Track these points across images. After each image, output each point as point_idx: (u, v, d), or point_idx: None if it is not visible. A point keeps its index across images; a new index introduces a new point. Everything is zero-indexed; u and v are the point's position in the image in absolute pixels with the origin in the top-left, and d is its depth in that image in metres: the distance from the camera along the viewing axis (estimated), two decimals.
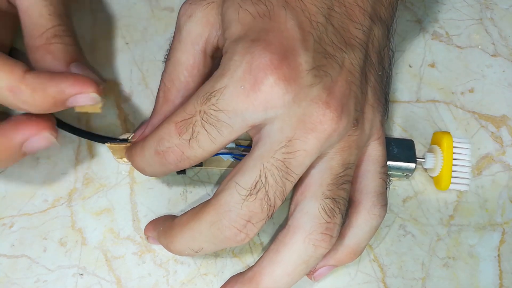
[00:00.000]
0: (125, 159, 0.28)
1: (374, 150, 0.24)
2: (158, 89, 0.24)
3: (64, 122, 0.27)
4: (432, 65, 0.34)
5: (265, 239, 0.27)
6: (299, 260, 0.21)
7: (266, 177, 0.20)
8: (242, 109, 0.20)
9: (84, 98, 0.21)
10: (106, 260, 0.26)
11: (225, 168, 0.28)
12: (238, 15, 0.21)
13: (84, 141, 0.28)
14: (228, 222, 0.20)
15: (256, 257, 0.27)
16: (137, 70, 0.31)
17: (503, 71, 0.33)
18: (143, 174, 0.24)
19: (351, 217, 0.23)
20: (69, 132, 0.27)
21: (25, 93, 0.19)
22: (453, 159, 0.28)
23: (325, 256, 0.22)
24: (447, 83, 0.33)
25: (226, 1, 0.22)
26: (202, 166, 0.28)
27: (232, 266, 0.27)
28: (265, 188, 0.20)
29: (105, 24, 0.32)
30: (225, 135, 0.20)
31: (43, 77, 0.20)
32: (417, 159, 0.28)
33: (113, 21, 0.32)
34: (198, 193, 0.28)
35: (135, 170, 0.28)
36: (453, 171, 0.28)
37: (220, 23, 0.22)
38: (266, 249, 0.27)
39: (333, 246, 0.22)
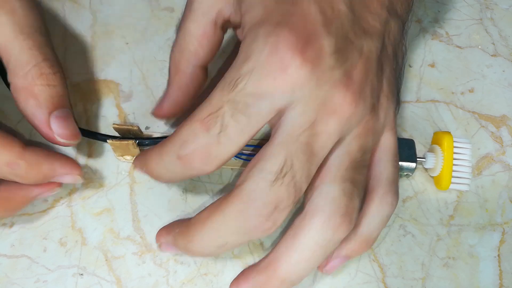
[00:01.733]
0: (127, 157, 0.28)
1: (387, 140, 0.24)
2: (169, 60, 0.25)
3: None
4: (432, 65, 0.34)
5: (266, 240, 0.27)
6: (317, 245, 0.20)
7: (291, 161, 0.20)
8: (271, 91, 0.20)
9: (70, 178, 0.24)
10: (106, 260, 0.26)
11: (238, 167, 0.28)
12: None
13: (83, 140, 0.28)
14: (254, 211, 0.20)
15: (256, 257, 0.27)
16: (137, 70, 0.31)
17: (503, 71, 0.33)
18: (158, 180, 0.23)
19: (364, 205, 0.23)
20: None
21: (21, 168, 0.21)
22: (454, 159, 0.28)
23: (337, 247, 0.22)
24: (447, 83, 0.33)
25: None
26: None
27: (232, 266, 0.27)
28: (292, 172, 0.20)
29: (105, 24, 0.32)
30: (254, 123, 0.20)
31: (39, 155, 0.22)
32: (418, 159, 0.28)
33: (113, 21, 0.32)
34: (198, 194, 0.28)
35: (135, 170, 0.28)
36: (453, 171, 0.28)
37: (236, 1, 0.22)
38: (266, 250, 0.27)
39: (346, 236, 0.21)
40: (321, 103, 0.20)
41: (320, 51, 0.20)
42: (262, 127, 0.21)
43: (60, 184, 0.24)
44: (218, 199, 0.21)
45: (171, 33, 0.32)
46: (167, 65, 0.31)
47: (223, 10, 0.23)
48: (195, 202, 0.28)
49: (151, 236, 0.27)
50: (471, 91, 0.33)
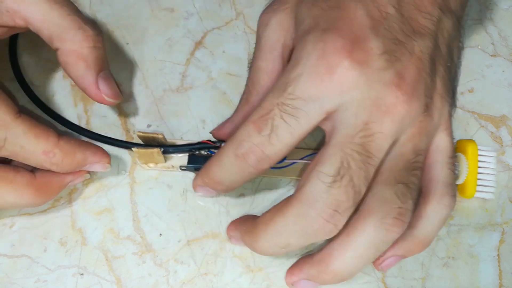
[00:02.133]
0: (150, 164, 0.28)
1: (442, 141, 0.24)
2: (242, 93, 0.26)
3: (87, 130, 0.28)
4: None
5: None
6: (369, 244, 0.21)
7: (348, 163, 0.20)
8: (319, 94, 0.20)
9: (100, 166, 0.25)
10: (106, 260, 0.26)
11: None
12: (310, 11, 0.22)
13: None
14: (315, 213, 0.20)
15: (256, 258, 0.27)
16: (138, 70, 0.31)
17: (503, 71, 0.34)
18: (220, 189, 0.23)
19: (420, 207, 0.23)
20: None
21: (57, 157, 0.23)
22: (478, 167, 0.28)
23: (393, 245, 0.22)
24: None
25: (299, 3, 0.23)
26: None
27: (232, 267, 0.27)
28: (349, 174, 0.20)
29: (105, 24, 0.32)
30: (303, 124, 0.20)
31: (73, 144, 0.23)
32: None
33: (113, 21, 0.32)
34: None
35: (135, 170, 0.28)
36: (478, 179, 0.28)
37: (294, 25, 0.23)
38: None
39: (402, 236, 0.21)
40: (374, 104, 0.20)
41: (368, 52, 0.20)
42: (312, 129, 0.21)
43: (88, 172, 0.26)
44: (281, 201, 0.22)
45: (171, 33, 0.32)
46: (167, 65, 0.31)
47: (286, 41, 0.24)
48: (195, 202, 0.28)
49: (151, 236, 0.27)
50: (470, 91, 0.33)
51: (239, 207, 0.28)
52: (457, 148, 0.30)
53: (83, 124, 0.29)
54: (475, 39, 0.34)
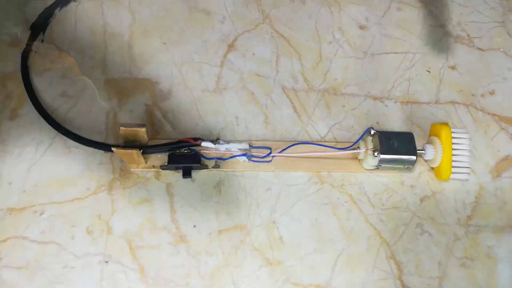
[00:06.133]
0: (133, 165, 0.29)
1: None
2: None
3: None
4: (453, 67, 0.34)
5: (284, 233, 0.28)
6: None
7: None
8: None
9: None
10: (131, 249, 0.27)
11: (241, 170, 0.29)
12: None
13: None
14: None
15: (275, 251, 0.28)
16: (177, 70, 0.32)
17: None
18: None
19: None
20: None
21: None
22: (453, 149, 0.28)
23: None
24: (467, 85, 0.33)
25: None
26: (207, 168, 0.29)
27: (251, 259, 0.27)
28: None
29: (143, 24, 0.34)
30: None
31: None
32: (417, 151, 0.28)
33: (151, 21, 0.34)
34: (231, 186, 0.29)
35: None
36: (453, 161, 0.28)
37: None
38: (286, 244, 0.28)
39: None
40: None
41: None
42: None
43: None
44: None
45: (207, 36, 0.34)
46: (204, 66, 0.32)
47: None
48: (228, 194, 0.29)
49: (186, 227, 0.28)
50: (491, 93, 0.33)
51: (267, 200, 0.29)
52: (431, 132, 0.30)
53: (110, 120, 0.30)
54: (497, 41, 0.34)
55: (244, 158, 0.29)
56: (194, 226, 0.28)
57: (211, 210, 0.28)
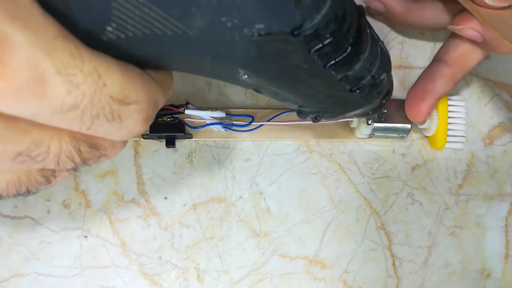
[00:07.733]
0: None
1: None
2: None
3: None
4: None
5: (271, 204, 0.27)
6: None
7: None
8: None
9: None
10: (110, 223, 0.26)
11: (214, 139, 0.27)
12: None
13: None
14: None
15: (262, 222, 0.27)
16: None
17: None
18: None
19: None
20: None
21: None
22: (449, 117, 0.27)
23: None
24: None
25: None
26: (192, 138, 0.27)
27: (237, 230, 0.26)
28: None
29: None
30: None
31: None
32: None
33: None
34: (203, 157, 0.27)
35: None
36: (448, 129, 0.27)
37: None
38: (272, 215, 0.27)
39: None
40: None
41: None
42: None
43: None
44: None
45: None
46: None
47: None
48: (201, 165, 0.27)
49: (157, 199, 0.27)
50: (486, 57, 0.32)
51: (245, 171, 0.27)
52: None
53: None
54: None
55: (219, 126, 0.26)
56: (165, 198, 0.27)
57: (183, 183, 0.27)
